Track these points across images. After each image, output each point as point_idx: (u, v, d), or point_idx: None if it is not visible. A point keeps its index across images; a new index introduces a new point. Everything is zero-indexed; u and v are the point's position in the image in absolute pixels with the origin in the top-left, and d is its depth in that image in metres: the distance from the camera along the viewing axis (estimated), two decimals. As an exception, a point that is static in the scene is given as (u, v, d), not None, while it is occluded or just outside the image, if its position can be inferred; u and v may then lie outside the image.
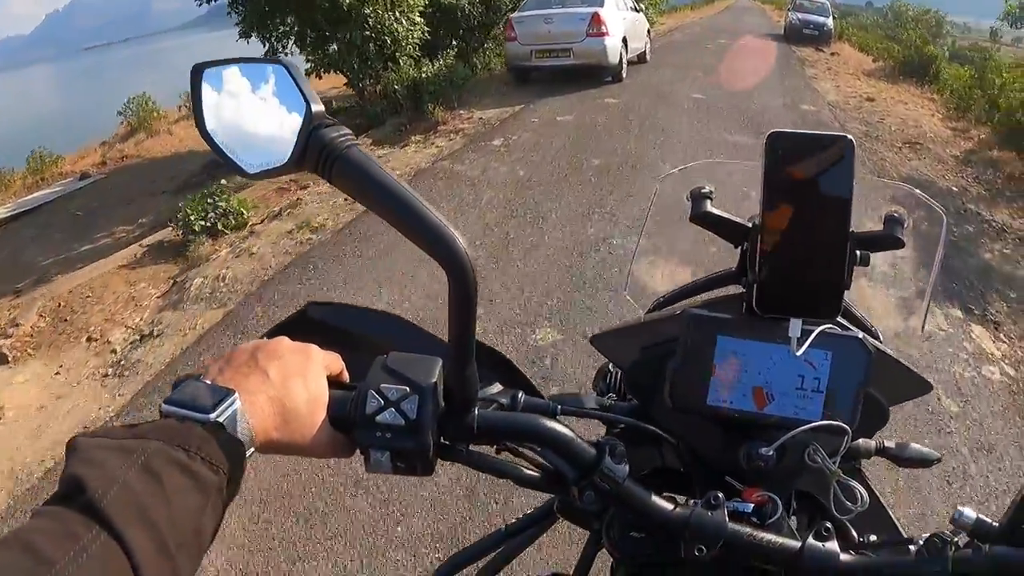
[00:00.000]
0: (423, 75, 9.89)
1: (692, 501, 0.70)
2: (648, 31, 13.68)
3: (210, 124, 0.61)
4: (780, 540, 0.67)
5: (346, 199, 5.38)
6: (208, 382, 0.53)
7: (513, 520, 0.86)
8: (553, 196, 5.84)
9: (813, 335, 0.73)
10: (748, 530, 0.67)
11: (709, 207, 0.85)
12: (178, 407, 0.50)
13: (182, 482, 0.44)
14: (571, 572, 0.91)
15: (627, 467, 0.66)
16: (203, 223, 5.73)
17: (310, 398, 0.58)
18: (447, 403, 0.62)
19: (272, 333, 0.69)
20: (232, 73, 0.61)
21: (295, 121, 0.56)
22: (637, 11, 12.99)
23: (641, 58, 12.72)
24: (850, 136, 0.74)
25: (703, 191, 0.86)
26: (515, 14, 11.37)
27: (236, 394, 0.51)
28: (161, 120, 15.61)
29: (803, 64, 14.75)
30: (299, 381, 0.58)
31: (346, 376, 0.66)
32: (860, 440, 0.82)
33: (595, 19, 10.32)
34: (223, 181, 6.74)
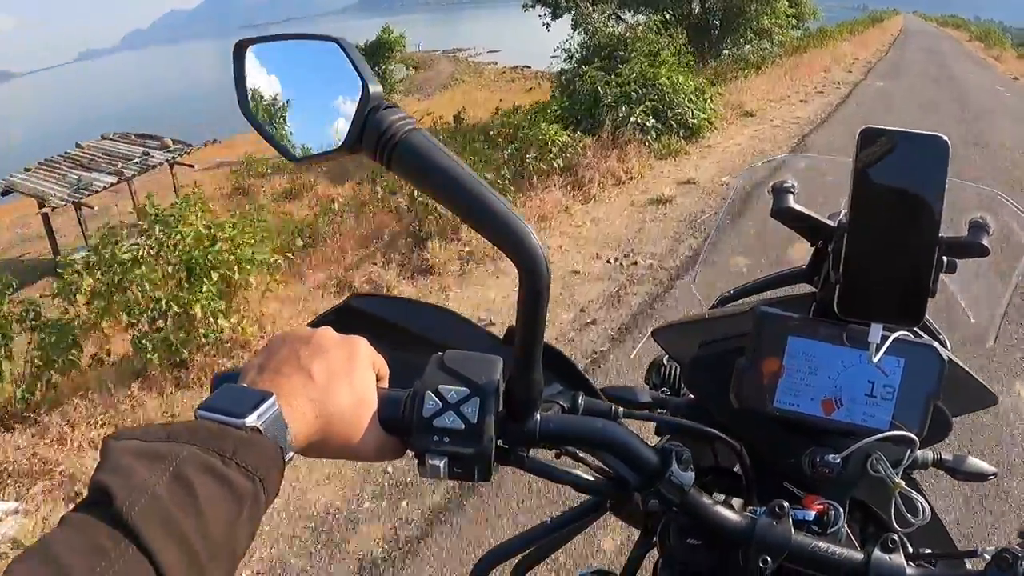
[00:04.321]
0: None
1: (752, 509, 0.67)
2: None
3: (254, 104, 0.58)
4: (845, 552, 0.64)
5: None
6: (245, 385, 0.52)
7: (559, 513, 0.80)
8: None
9: (889, 341, 0.71)
10: (813, 541, 0.64)
11: (791, 202, 0.81)
12: (214, 411, 0.48)
13: (215, 491, 0.42)
14: (615, 570, 0.89)
15: (693, 474, 0.63)
16: None
17: (356, 399, 0.55)
18: (508, 406, 0.59)
19: (316, 323, 0.66)
20: (279, 50, 0.58)
21: (350, 102, 0.53)
22: None
23: None
24: (945, 137, 0.70)
25: (786, 185, 0.82)
26: None
27: (273, 397, 0.49)
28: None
29: None
30: (344, 380, 0.55)
31: (386, 372, 0.61)
32: (919, 451, 0.78)
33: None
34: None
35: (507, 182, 6.58)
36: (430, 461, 0.56)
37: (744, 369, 0.76)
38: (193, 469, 0.42)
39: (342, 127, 0.54)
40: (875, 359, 0.71)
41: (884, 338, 0.71)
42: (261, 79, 0.58)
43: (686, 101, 8.44)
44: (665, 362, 1.02)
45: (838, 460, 0.72)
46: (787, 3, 17.65)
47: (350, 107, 0.53)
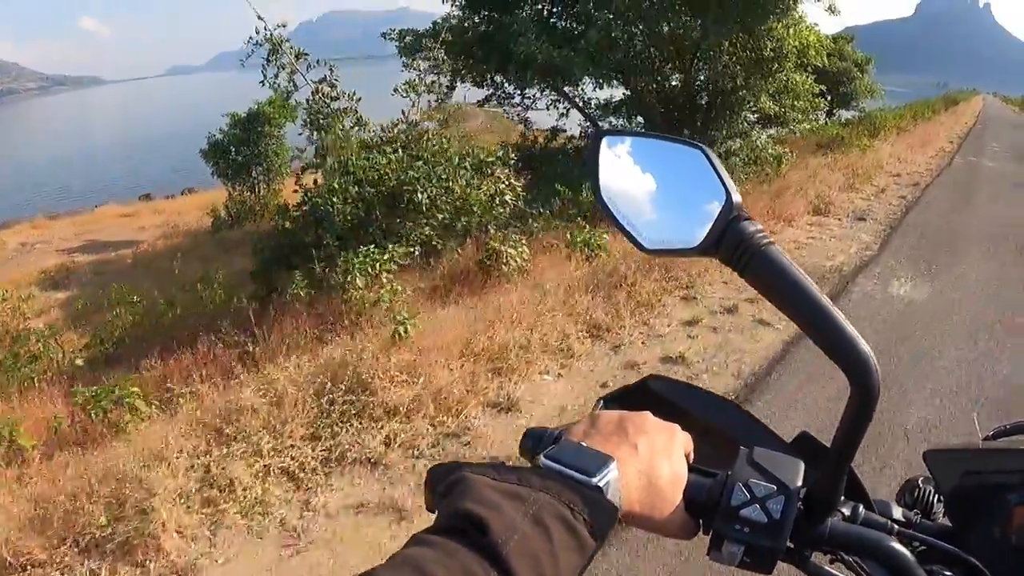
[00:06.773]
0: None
1: None
2: None
3: (607, 192, 0.65)
4: None
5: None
6: (585, 444, 0.55)
7: None
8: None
9: None
10: None
11: None
12: (560, 464, 0.51)
13: (567, 540, 0.45)
14: None
15: None
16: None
17: (673, 478, 0.58)
18: (805, 506, 0.62)
19: (612, 398, 0.75)
20: (639, 145, 0.65)
21: (710, 207, 0.58)
22: None
23: None
24: None
25: None
26: None
27: (615, 462, 0.52)
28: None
29: None
30: (665, 459, 0.58)
31: (692, 457, 0.64)
32: None
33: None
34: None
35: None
36: (728, 548, 0.59)
37: (1020, 507, 0.72)
38: (549, 516, 0.45)
39: (697, 228, 0.58)
40: None
41: None
42: (617, 169, 0.64)
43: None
44: (920, 484, 0.95)
45: None
46: (811, 79, 12.23)
47: (705, 210, 0.58)
